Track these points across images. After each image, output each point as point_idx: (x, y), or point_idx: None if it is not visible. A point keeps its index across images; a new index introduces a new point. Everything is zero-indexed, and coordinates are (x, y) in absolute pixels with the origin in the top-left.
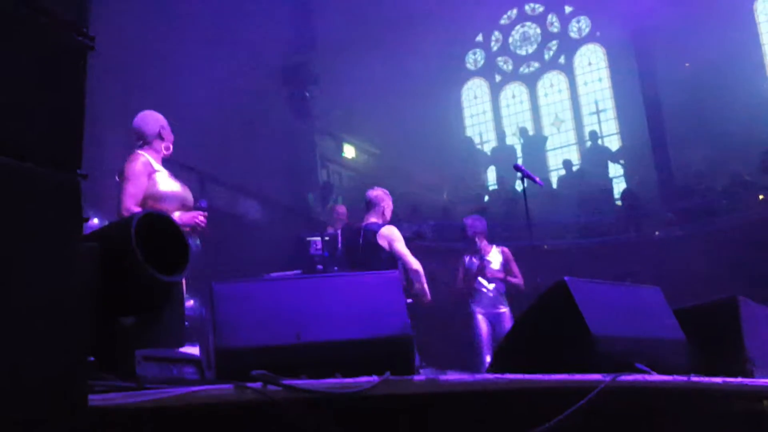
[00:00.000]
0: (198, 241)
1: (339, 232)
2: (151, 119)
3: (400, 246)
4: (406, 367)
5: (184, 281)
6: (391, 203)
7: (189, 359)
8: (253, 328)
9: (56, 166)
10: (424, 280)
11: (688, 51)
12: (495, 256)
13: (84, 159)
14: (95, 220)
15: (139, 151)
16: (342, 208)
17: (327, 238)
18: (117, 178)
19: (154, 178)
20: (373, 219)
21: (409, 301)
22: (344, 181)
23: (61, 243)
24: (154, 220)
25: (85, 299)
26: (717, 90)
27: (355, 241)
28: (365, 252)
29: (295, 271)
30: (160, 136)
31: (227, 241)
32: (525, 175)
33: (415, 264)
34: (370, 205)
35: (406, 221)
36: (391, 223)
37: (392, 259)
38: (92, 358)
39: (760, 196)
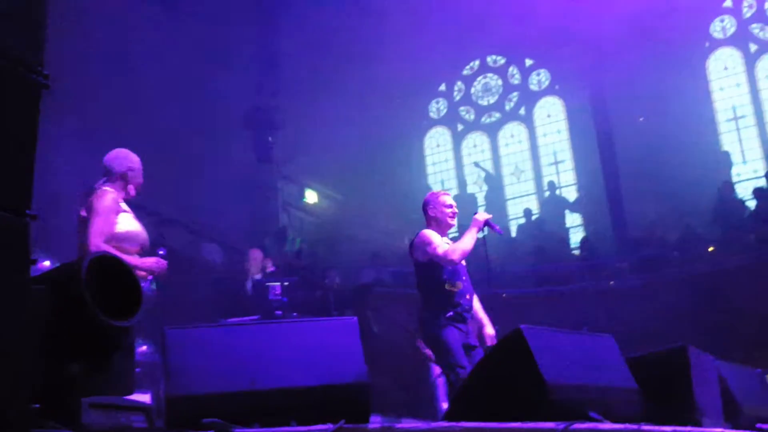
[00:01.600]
0: (153, 285)
1: (258, 278)
2: (121, 158)
3: (431, 248)
4: (362, 414)
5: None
6: (437, 199)
7: (138, 407)
8: (206, 374)
9: (4, 207)
10: (454, 256)
11: (643, 106)
12: None
13: (35, 199)
14: (46, 263)
15: (106, 188)
16: (256, 252)
17: (286, 283)
18: (83, 213)
19: (121, 217)
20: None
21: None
22: (306, 227)
23: (6, 286)
24: (106, 263)
25: (30, 343)
26: (670, 144)
27: None
28: (414, 268)
29: (254, 317)
30: (124, 177)
31: (185, 285)
32: (485, 224)
33: (445, 256)
34: (424, 215)
35: (367, 267)
36: (364, 264)
37: (430, 267)
38: (36, 405)
39: (711, 249)
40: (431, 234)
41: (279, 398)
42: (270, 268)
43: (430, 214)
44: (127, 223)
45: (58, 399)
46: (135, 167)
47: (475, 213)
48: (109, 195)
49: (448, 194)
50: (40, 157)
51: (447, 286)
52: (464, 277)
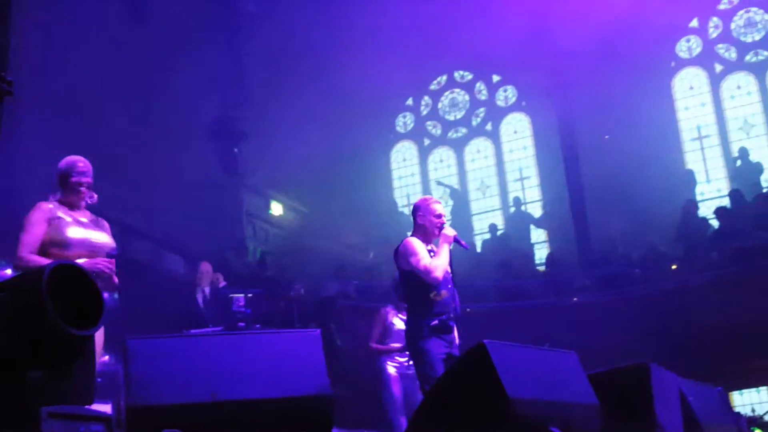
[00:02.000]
0: (116, 295)
1: (207, 291)
2: (64, 164)
3: (414, 260)
4: (324, 427)
5: (102, 336)
6: (429, 206)
7: (98, 417)
8: (167, 385)
9: None
10: (438, 274)
11: (609, 123)
12: None
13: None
14: (8, 271)
15: (45, 201)
16: (206, 266)
17: (250, 295)
18: None
19: (57, 224)
20: (408, 234)
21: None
22: (270, 239)
23: None
24: (69, 272)
25: None
26: (635, 162)
27: None
28: (399, 275)
29: (217, 328)
30: (67, 182)
31: (150, 296)
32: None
33: (428, 273)
34: (413, 220)
35: (331, 280)
36: (328, 277)
37: (415, 276)
38: None
39: (673, 266)
40: (416, 244)
41: (240, 410)
42: (221, 283)
43: (419, 222)
44: (67, 229)
45: (18, 407)
46: (77, 169)
47: (441, 228)
48: (40, 206)
49: (439, 202)
50: (4, 165)
51: (432, 295)
52: (449, 286)
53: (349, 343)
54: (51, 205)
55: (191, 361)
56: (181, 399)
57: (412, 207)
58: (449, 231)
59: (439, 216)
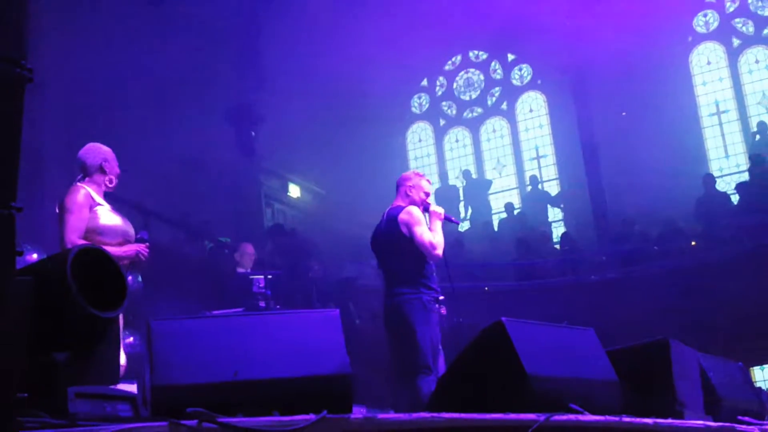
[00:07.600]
0: (139, 278)
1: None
2: (95, 151)
3: (419, 230)
4: (344, 405)
5: (122, 317)
6: (420, 182)
7: (123, 396)
8: (190, 365)
9: None
10: (439, 252)
11: (625, 100)
12: None
13: (24, 193)
14: (34, 255)
15: (80, 184)
16: (249, 247)
17: (270, 276)
18: (57, 210)
19: (96, 211)
20: (396, 203)
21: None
22: (289, 221)
23: None
24: (92, 255)
25: (17, 334)
26: (652, 138)
27: (378, 230)
28: (385, 241)
29: (237, 309)
30: (101, 169)
31: (170, 278)
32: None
33: (432, 249)
34: (396, 190)
35: (350, 261)
36: (347, 258)
37: (411, 247)
38: (24, 395)
39: (693, 243)
40: (420, 214)
41: (262, 389)
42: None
43: (407, 193)
44: (106, 216)
45: (45, 388)
46: (109, 158)
47: (427, 206)
48: (80, 191)
49: (430, 182)
50: (31, 152)
51: (428, 268)
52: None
53: (368, 323)
54: (88, 190)
55: (213, 342)
56: (204, 378)
57: (399, 179)
58: (438, 209)
59: (427, 194)
